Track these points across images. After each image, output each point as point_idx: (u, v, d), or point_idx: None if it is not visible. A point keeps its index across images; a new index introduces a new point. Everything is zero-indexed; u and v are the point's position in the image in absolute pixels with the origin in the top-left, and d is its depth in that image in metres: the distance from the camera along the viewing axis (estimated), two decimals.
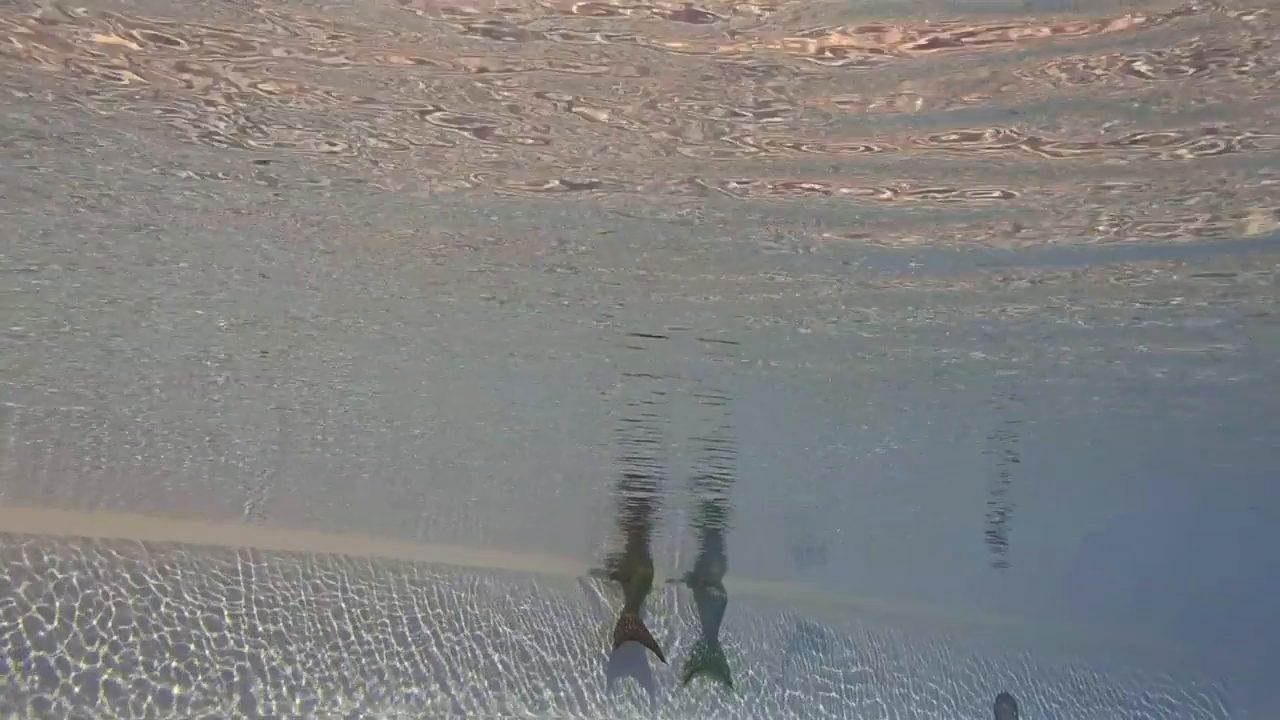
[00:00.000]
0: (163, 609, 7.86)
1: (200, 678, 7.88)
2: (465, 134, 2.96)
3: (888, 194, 3.24)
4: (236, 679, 8.08)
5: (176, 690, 7.72)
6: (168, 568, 8.04)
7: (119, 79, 2.72)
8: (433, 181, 3.24)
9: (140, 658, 7.63)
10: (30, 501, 8.07)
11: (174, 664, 7.77)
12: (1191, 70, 2.57)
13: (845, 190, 3.23)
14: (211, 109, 2.86)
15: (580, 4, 2.41)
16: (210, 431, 6.37)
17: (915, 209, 3.32)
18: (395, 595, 9.29)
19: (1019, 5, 2.37)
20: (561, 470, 7.48)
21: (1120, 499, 8.19)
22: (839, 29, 2.46)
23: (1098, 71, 2.59)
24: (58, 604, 7.40)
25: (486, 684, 9.56)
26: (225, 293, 4.18)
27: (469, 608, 9.70)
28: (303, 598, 8.69)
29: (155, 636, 7.76)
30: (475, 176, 3.20)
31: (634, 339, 4.66)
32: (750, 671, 11.64)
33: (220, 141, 3.03)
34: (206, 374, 5.27)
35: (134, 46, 2.58)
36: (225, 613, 8.21)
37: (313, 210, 3.46)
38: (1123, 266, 3.75)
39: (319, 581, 8.87)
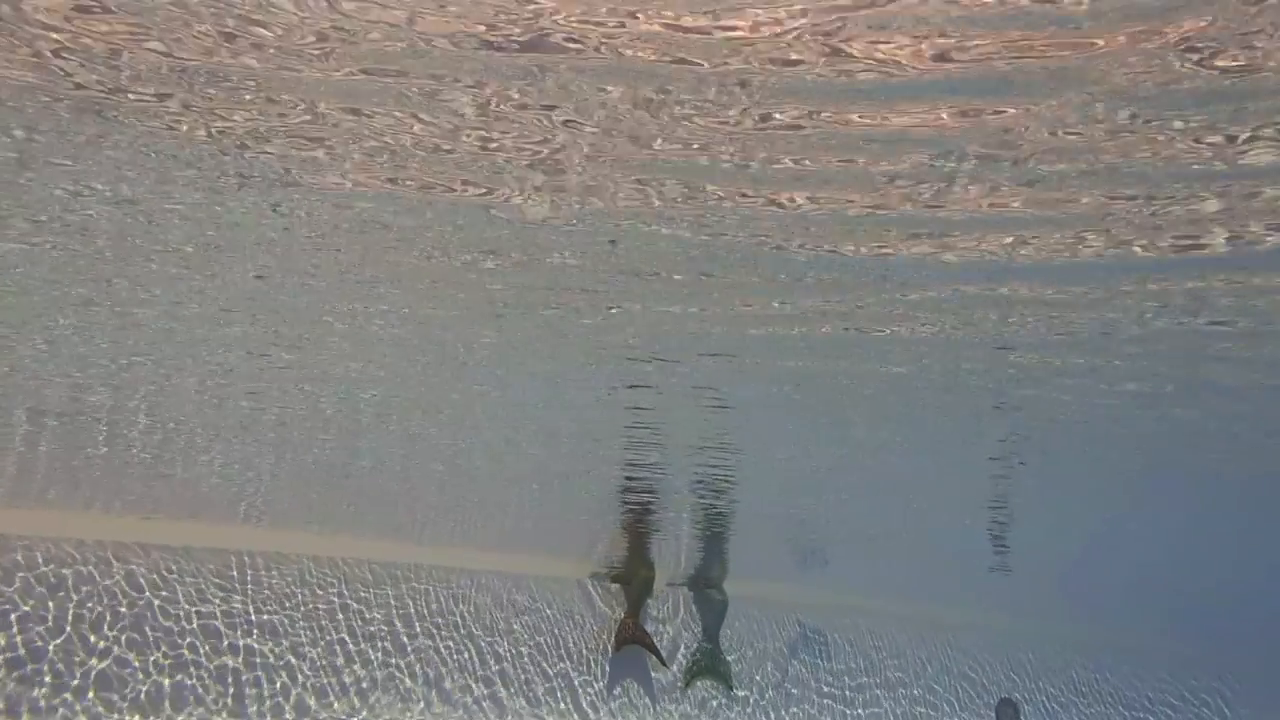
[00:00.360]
0: (157, 612, 7.82)
1: (196, 682, 7.84)
2: (467, 144, 2.95)
3: (893, 205, 3.23)
4: (232, 684, 8.03)
5: (169, 697, 7.68)
6: (163, 570, 8.00)
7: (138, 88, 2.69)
8: (437, 190, 3.23)
9: (136, 663, 7.58)
10: (27, 503, 8.05)
11: (169, 667, 7.73)
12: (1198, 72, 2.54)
13: (851, 201, 3.23)
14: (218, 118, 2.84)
15: (579, 12, 2.37)
16: (208, 433, 6.35)
17: (923, 218, 3.32)
18: (391, 597, 9.25)
19: (1026, 20, 2.35)
20: (563, 472, 7.46)
21: (1124, 501, 8.19)
22: (849, 40, 2.44)
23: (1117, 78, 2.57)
24: (52, 606, 7.36)
25: (484, 688, 9.52)
26: (227, 291, 4.16)
27: (465, 610, 9.66)
28: (300, 601, 8.65)
29: (151, 640, 7.71)
30: (479, 184, 3.19)
31: (638, 345, 4.65)
32: (756, 677, 11.62)
33: (227, 147, 3.00)
34: (206, 374, 5.25)
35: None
36: (220, 615, 8.17)
37: (319, 215, 3.44)
38: (1132, 276, 3.75)
39: (315, 584, 8.83)
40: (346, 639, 8.81)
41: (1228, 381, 4.98)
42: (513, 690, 9.68)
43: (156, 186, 3.26)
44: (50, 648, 7.24)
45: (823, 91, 2.64)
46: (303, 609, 8.63)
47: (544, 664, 9.97)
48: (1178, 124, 2.76)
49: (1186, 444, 6.22)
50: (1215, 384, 5.04)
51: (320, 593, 8.81)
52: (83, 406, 5.76)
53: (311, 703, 8.42)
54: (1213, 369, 4.81)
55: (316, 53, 2.56)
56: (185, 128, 2.92)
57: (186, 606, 7.99)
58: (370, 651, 8.91)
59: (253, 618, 8.33)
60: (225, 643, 8.11)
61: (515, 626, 9.90)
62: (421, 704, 9.08)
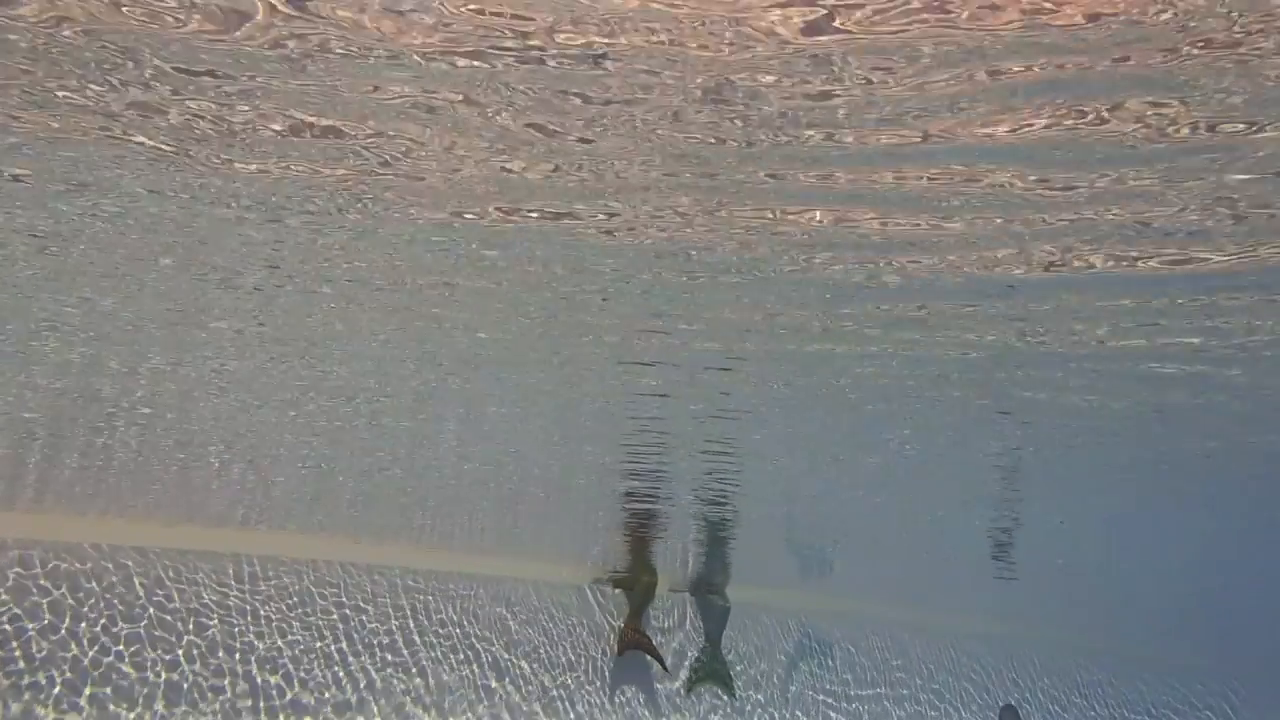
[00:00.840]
0: (153, 615, 7.80)
1: (190, 689, 7.81)
2: (475, 159, 2.95)
3: (901, 221, 3.24)
4: (229, 691, 8.01)
5: (161, 704, 7.66)
6: (157, 573, 7.97)
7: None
8: (449, 206, 3.24)
9: (131, 669, 7.56)
10: (28, 506, 8.03)
11: (163, 673, 7.70)
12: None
13: (855, 217, 3.24)
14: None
15: (599, 24, 2.35)
16: (213, 437, 6.34)
17: (928, 234, 3.32)
18: (390, 601, 9.22)
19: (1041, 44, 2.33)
20: (567, 478, 7.44)
21: (1128, 505, 8.18)
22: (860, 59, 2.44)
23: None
24: (47, 607, 7.34)
25: (484, 693, 9.50)
26: (231, 295, 4.14)
27: (466, 615, 9.63)
28: (297, 604, 8.62)
29: (146, 645, 7.69)
30: (487, 197, 3.18)
31: (643, 353, 4.65)
32: (761, 682, 11.59)
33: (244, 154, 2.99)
34: (210, 377, 5.24)
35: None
36: (216, 620, 8.14)
37: (324, 222, 3.43)
38: (1141, 292, 3.75)
39: (314, 587, 8.80)
40: (344, 645, 8.78)
41: (1231, 390, 4.97)
42: (513, 695, 9.65)
43: (165, 194, 3.26)
44: (49, 650, 7.22)
45: (835, 110, 2.63)
46: (302, 613, 8.60)
47: (545, 669, 9.94)
48: (1185, 131, 2.74)
49: (1188, 450, 6.22)
50: (1219, 387, 5.03)
51: (320, 598, 8.78)
52: (87, 411, 5.76)
53: (310, 707, 8.39)
54: (1217, 377, 4.80)
55: (322, 67, 2.53)
56: (198, 138, 2.91)
57: (184, 613, 7.97)
58: (369, 656, 8.88)
59: (251, 621, 8.30)
60: (224, 647, 8.08)
61: (517, 631, 9.87)
62: (421, 709, 9.05)
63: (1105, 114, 2.63)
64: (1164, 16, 2.24)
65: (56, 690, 7.19)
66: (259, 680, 8.17)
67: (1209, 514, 8.29)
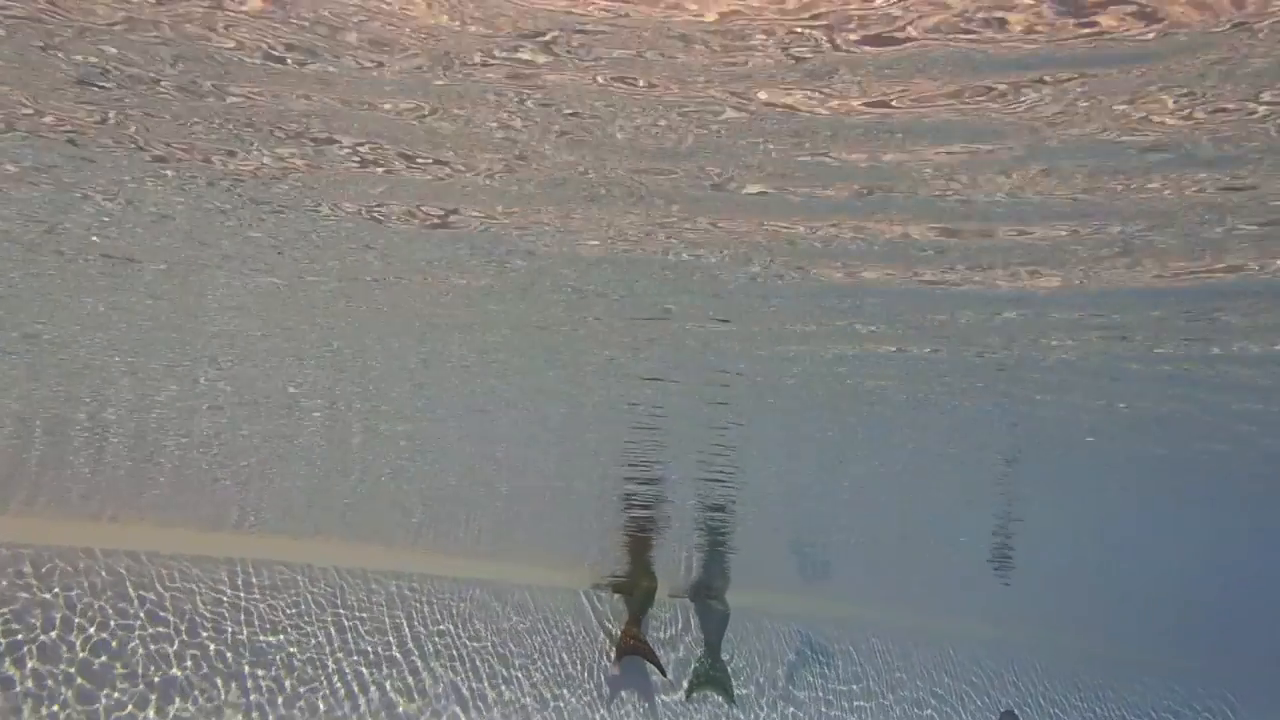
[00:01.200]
0: (146, 617, 7.77)
1: (184, 696, 7.78)
2: (477, 163, 2.95)
3: (902, 229, 3.25)
4: (223, 695, 7.98)
5: (154, 709, 7.63)
6: (155, 576, 7.94)
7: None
8: (450, 208, 3.25)
9: (124, 673, 7.53)
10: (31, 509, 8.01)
11: (158, 676, 7.67)
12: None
13: (860, 223, 3.25)
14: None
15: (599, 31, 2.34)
16: (209, 438, 6.33)
17: (932, 241, 3.33)
18: (387, 606, 9.19)
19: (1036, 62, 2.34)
20: (566, 481, 7.43)
21: (1128, 512, 8.18)
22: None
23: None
24: (40, 612, 7.32)
25: (481, 698, 9.47)
26: (239, 298, 4.13)
27: (464, 620, 9.60)
28: (293, 607, 8.59)
29: (143, 649, 7.66)
30: (488, 200, 3.18)
31: (645, 361, 4.66)
32: (764, 685, 11.57)
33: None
34: (209, 381, 5.23)
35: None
36: (211, 626, 8.11)
37: (324, 234, 3.43)
38: (1140, 301, 3.75)
39: (311, 589, 8.77)
40: (340, 649, 8.75)
41: (1235, 392, 4.97)
42: (510, 701, 9.62)
43: (165, 195, 3.25)
44: (47, 652, 7.19)
45: (836, 125, 2.63)
46: (298, 617, 8.57)
47: (542, 674, 9.91)
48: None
49: (1190, 451, 6.23)
50: (1225, 402, 5.03)
51: (315, 603, 8.75)
52: (85, 412, 5.74)
53: (307, 710, 8.36)
54: (1221, 378, 4.80)
55: (322, 70, 2.52)
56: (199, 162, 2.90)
57: (179, 616, 7.94)
58: (363, 660, 8.85)
59: (246, 625, 8.26)
60: (218, 652, 8.05)
61: (514, 636, 9.85)
62: (417, 714, 9.02)
63: (1117, 124, 2.62)
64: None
65: (57, 694, 7.16)
66: (255, 682, 8.14)
67: (1210, 515, 8.29)
